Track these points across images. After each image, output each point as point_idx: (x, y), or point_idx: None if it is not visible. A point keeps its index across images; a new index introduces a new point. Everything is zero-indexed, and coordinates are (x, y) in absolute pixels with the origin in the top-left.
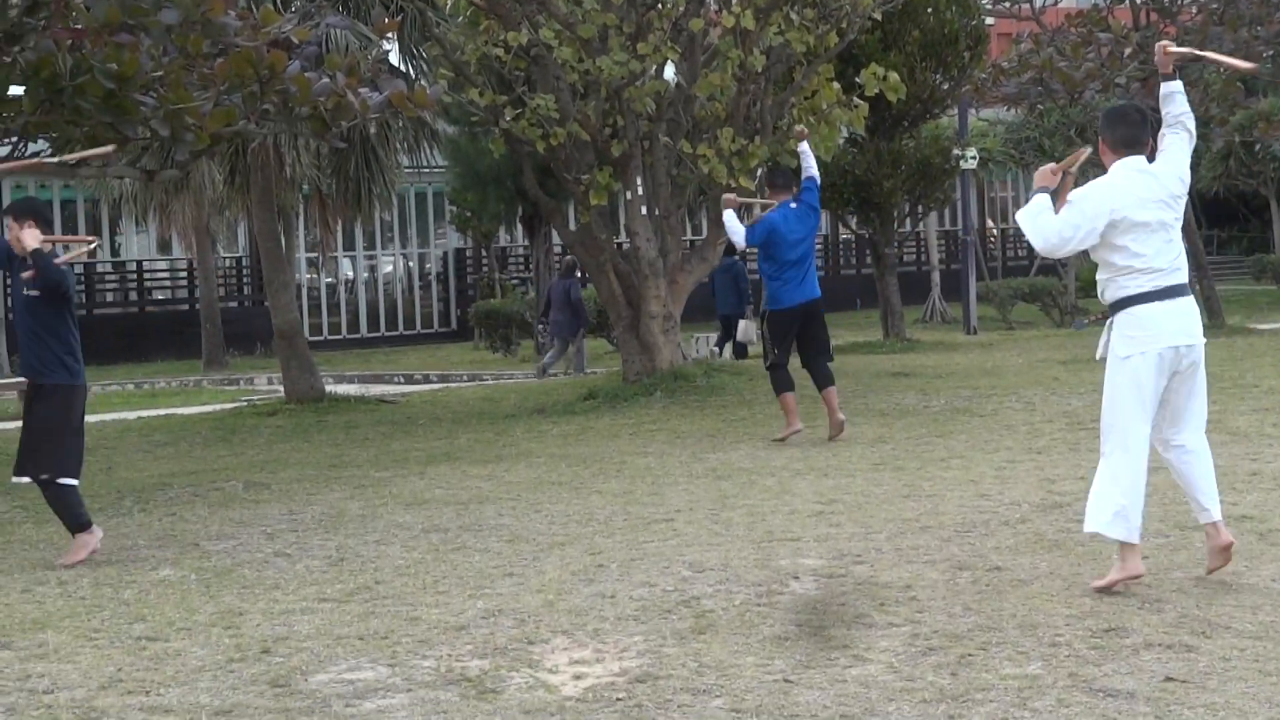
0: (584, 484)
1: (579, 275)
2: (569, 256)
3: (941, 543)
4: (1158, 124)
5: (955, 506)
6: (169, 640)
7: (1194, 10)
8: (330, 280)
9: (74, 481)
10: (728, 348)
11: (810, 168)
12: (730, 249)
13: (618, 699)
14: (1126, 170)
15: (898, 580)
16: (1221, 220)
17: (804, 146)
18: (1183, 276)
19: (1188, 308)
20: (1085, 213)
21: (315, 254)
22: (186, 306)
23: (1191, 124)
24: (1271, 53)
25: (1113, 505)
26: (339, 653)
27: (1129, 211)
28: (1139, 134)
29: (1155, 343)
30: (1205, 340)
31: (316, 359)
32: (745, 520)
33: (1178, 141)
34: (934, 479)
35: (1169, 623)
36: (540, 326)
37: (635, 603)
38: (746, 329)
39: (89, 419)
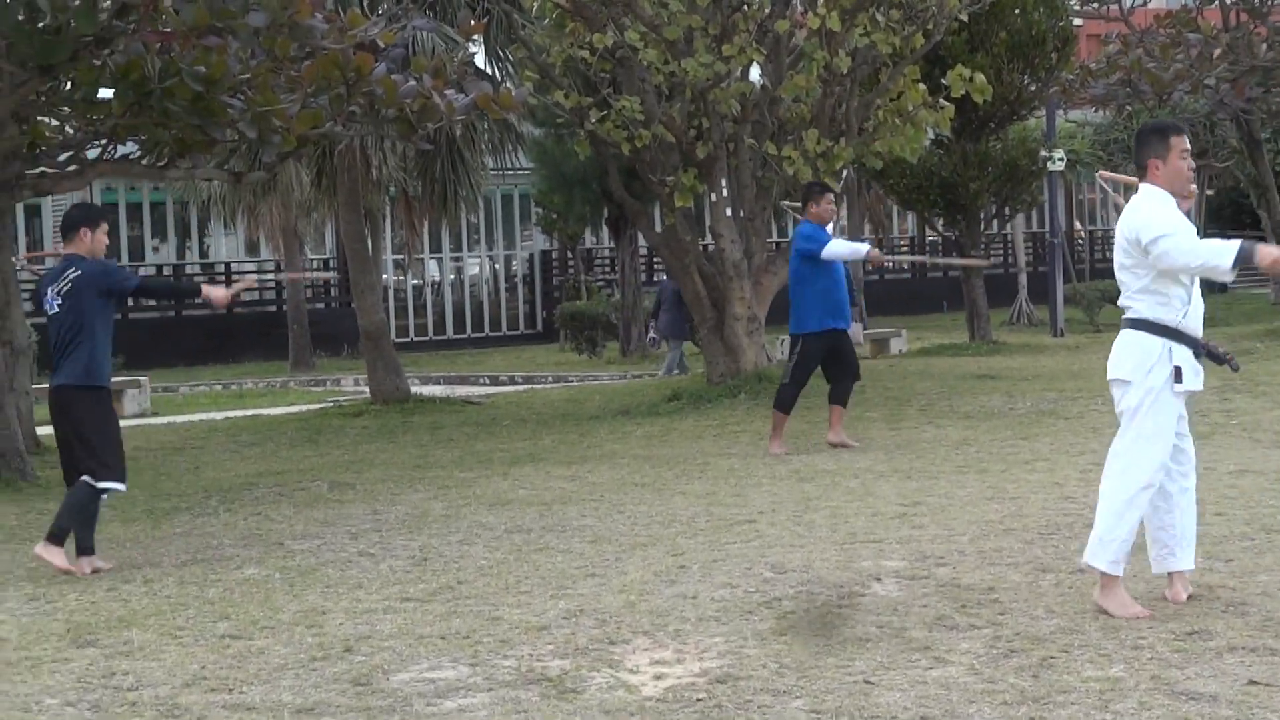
0: (667, 485)
1: None
2: None
3: (1025, 545)
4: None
5: (1039, 509)
6: (252, 638)
7: None
8: (416, 282)
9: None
10: None
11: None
12: None
13: (698, 699)
14: None
15: (980, 582)
16: None
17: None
18: (1129, 313)
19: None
20: None
21: (401, 255)
22: (274, 308)
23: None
24: None
25: None
26: (421, 652)
27: None
28: (1136, 156)
29: None
30: (1117, 377)
31: (402, 360)
32: (828, 522)
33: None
34: (1018, 481)
35: (1253, 626)
36: (650, 323)
37: (716, 604)
38: (855, 331)
39: (176, 419)
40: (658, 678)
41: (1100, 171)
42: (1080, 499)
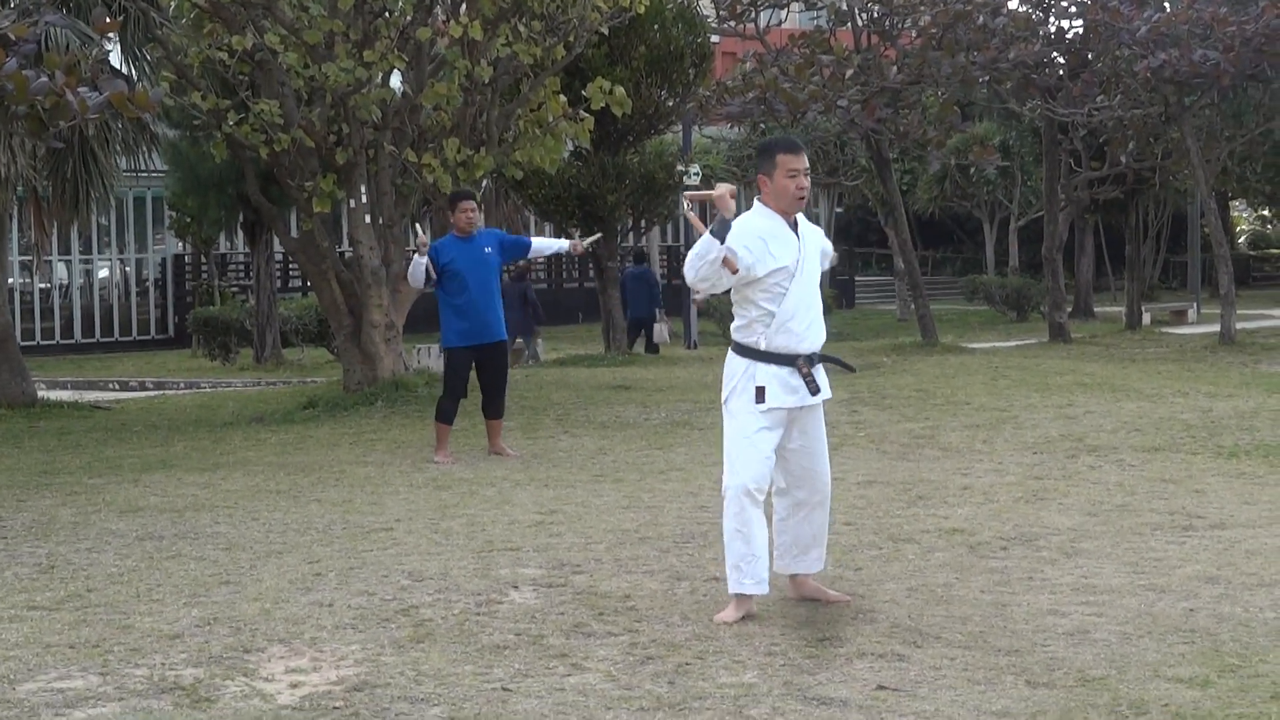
0: (302, 492)
1: (530, 278)
2: (522, 261)
3: (660, 553)
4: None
5: (674, 518)
6: None
7: (914, 35)
8: (44, 284)
9: None
10: (639, 347)
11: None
12: (639, 256)
13: (334, 707)
14: None
15: (617, 590)
16: (937, 241)
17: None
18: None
19: None
20: None
21: (29, 257)
22: None
23: None
24: (987, 78)
25: None
26: (49, 661)
27: None
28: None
29: None
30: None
31: (29, 364)
32: (465, 530)
33: None
34: (653, 491)
35: (881, 632)
36: None
37: (353, 611)
38: (660, 330)
39: None
40: (294, 686)
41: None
42: (713, 508)
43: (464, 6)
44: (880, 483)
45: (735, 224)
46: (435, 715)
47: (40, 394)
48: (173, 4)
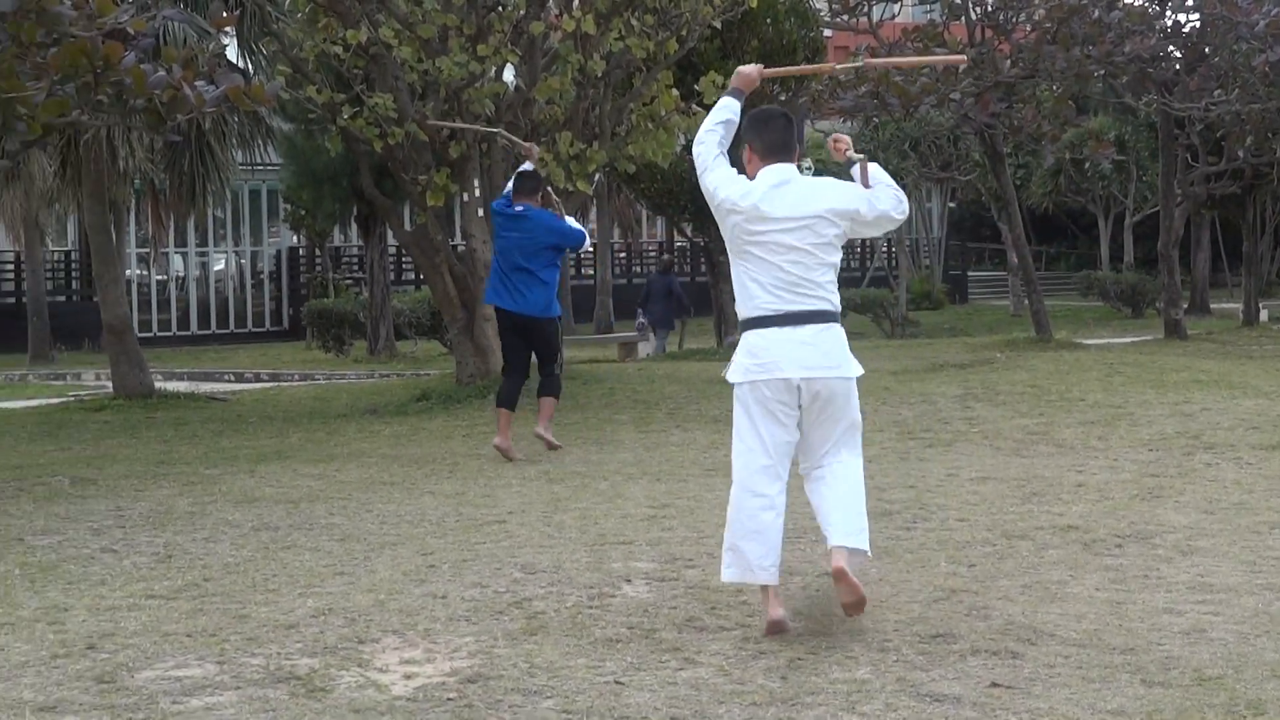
0: (416, 484)
1: (675, 271)
2: (665, 255)
3: None
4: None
5: (786, 512)
6: None
7: (1028, 28)
8: (161, 277)
9: None
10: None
11: None
12: None
13: (448, 699)
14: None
15: (729, 584)
16: (1051, 236)
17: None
18: (814, 304)
19: (811, 337)
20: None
21: (146, 249)
22: (13, 300)
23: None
24: (1102, 71)
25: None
26: (166, 649)
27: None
28: (788, 140)
29: (769, 372)
30: (842, 374)
31: (146, 356)
32: (578, 523)
33: (874, 191)
34: None
35: (995, 629)
36: (639, 311)
37: (467, 603)
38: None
39: None
40: (408, 677)
41: None
42: None
43: (577, 1)
44: (994, 479)
45: None
46: (548, 707)
47: (157, 385)
48: None
